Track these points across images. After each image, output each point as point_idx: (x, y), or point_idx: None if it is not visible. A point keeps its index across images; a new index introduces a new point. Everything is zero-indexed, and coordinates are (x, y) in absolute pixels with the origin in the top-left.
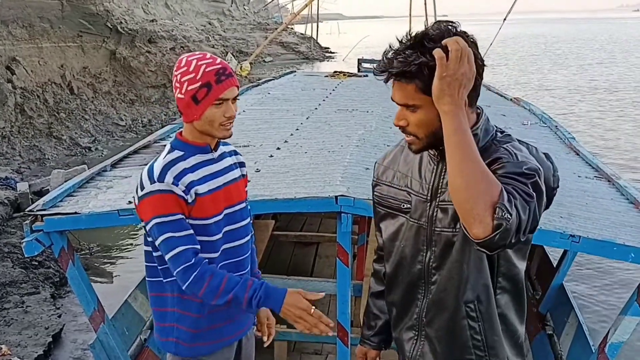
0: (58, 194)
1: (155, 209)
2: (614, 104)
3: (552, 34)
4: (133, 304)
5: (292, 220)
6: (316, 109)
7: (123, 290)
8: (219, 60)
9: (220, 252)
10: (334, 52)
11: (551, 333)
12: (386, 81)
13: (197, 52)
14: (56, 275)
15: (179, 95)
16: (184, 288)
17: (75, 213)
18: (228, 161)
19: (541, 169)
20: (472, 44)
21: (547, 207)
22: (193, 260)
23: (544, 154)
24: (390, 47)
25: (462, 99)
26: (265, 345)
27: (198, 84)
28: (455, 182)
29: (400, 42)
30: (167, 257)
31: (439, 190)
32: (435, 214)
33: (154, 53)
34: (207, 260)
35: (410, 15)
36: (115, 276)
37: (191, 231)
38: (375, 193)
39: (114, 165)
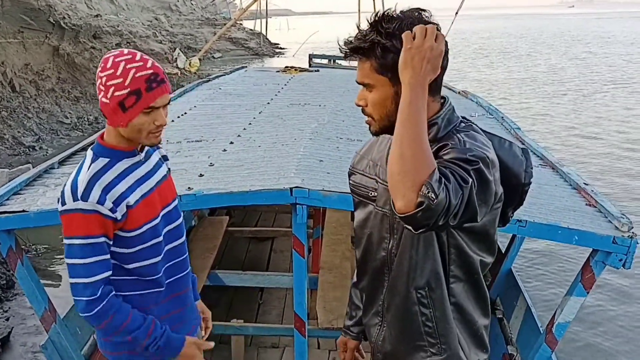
0: (4, 192)
1: (73, 229)
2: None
3: (495, 29)
4: None
5: (246, 216)
6: (268, 103)
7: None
8: (150, 63)
9: (163, 254)
10: (284, 48)
11: (501, 317)
12: (345, 58)
13: (124, 51)
14: (2, 278)
15: (104, 100)
16: (83, 317)
17: (23, 211)
18: (154, 159)
19: (490, 158)
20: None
21: (520, 204)
22: (99, 294)
23: (522, 149)
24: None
25: (425, 73)
26: (204, 340)
27: (126, 91)
28: (393, 152)
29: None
30: (70, 281)
31: None
32: None
33: (99, 49)
34: (113, 293)
35: (359, 11)
36: (64, 277)
37: (106, 256)
38: (350, 181)
39: (61, 163)
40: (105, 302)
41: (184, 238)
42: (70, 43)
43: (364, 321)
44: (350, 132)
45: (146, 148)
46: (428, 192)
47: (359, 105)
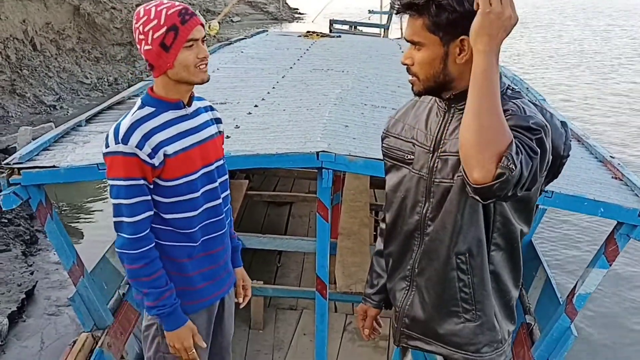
0: (34, 147)
1: (115, 170)
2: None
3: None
4: (111, 259)
5: (265, 180)
6: (291, 67)
7: (98, 247)
8: (177, 2)
9: (201, 211)
10: (303, 13)
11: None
12: (397, 13)
13: (152, 1)
14: (26, 233)
15: (146, 47)
16: (117, 251)
17: (54, 167)
18: (204, 117)
19: (548, 126)
20: None
21: (555, 176)
22: (140, 235)
23: (561, 121)
24: None
25: (500, 42)
26: (241, 307)
27: (164, 29)
28: (469, 123)
29: None
30: (114, 219)
31: (442, 142)
32: (436, 164)
33: (120, 9)
34: (153, 245)
35: None
36: (87, 235)
37: (147, 197)
38: (383, 145)
39: (88, 121)
40: (143, 249)
41: (223, 197)
42: (90, 3)
43: (389, 286)
44: (374, 99)
45: (196, 105)
46: (509, 164)
47: (405, 64)
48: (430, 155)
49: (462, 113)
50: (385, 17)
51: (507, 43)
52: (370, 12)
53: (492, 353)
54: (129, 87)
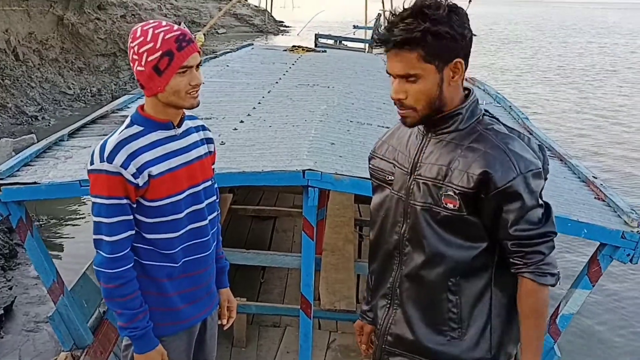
0: (15, 163)
1: (98, 188)
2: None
3: (500, 15)
4: (91, 276)
5: (249, 194)
6: (277, 82)
7: (78, 263)
8: (176, 26)
9: (183, 232)
10: (288, 26)
11: None
12: (387, 51)
13: (150, 21)
14: (5, 246)
15: (139, 68)
16: (95, 268)
17: (35, 183)
18: (193, 137)
19: (543, 174)
20: (463, 14)
21: None
22: (118, 255)
23: (538, 145)
24: (387, 18)
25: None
26: (225, 328)
27: (159, 53)
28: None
29: (393, 15)
30: (93, 237)
31: (418, 164)
32: (412, 187)
33: (104, 20)
34: (132, 265)
35: None
36: (67, 249)
37: (129, 217)
38: (370, 165)
39: (71, 135)
40: (120, 269)
41: (210, 219)
42: (74, 13)
43: (372, 303)
44: (360, 116)
45: (187, 125)
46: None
47: (398, 99)
48: (408, 177)
49: (439, 138)
50: (369, 32)
51: (489, 59)
52: (355, 27)
53: None
54: (113, 98)
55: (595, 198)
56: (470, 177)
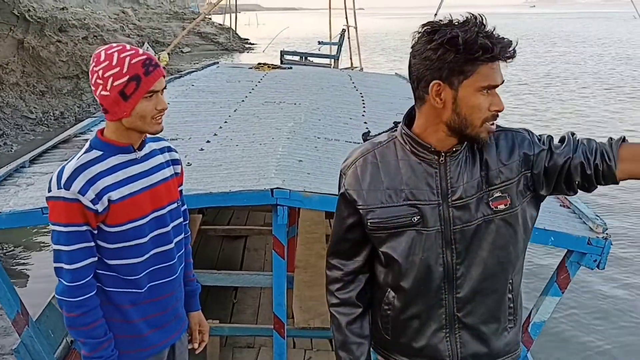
0: None
1: (56, 215)
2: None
3: None
4: (57, 305)
5: (219, 214)
6: (243, 101)
7: (42, 293)
8: (141, 50)
9: (147, 257)
10: (253, 44)
11: None
12: (493, 60)
13: (114, 44)
14: None
15: (103, 93)
16: (57, 297)
17: None
18: (157, 160)
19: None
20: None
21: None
22: (79, 283)
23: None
24: (479, 27)
25: None
26: (197, 352)
27: (125, 78)
28: None
29: (483, 25)
30: (54, 265)
31: (449, 191)
32: (450, 214)
33: (65, 42)
34: (95, 293)
35: (330, 7)
36: (31, 277)
37: (89, 244)
38: (369, 220)
39: (32, 161)
40: (82, 297)
41: (176, 242)
42: (35, 36)
43: (419, 345)
44: (327, 132)
45: (150, 147)
46: None
47: (500, 111)
48: (441, 207)
49: (455, 157)
50: (334, 48)
51: None
52: (320, 43)
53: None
54: (76, 120)
55: (560, 205)
56: (509, 168)
